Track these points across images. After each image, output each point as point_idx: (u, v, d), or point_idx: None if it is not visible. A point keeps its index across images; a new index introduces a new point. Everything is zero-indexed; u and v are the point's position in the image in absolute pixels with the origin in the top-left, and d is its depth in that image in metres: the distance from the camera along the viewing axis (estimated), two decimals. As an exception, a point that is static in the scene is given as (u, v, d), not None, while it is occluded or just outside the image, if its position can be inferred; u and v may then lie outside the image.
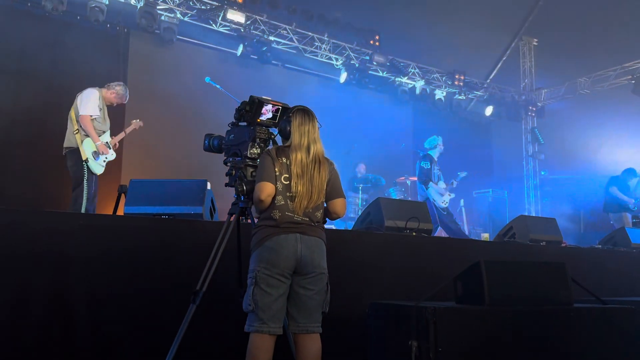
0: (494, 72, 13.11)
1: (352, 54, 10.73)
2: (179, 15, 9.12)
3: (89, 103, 5.80)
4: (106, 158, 5.93)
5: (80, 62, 7.94)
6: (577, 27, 11.14)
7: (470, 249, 5.25)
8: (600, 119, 11.28)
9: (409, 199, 9.03)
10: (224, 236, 3.19)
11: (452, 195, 8.02)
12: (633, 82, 11.27)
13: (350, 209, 9.31)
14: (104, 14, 8.28)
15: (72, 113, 5.83)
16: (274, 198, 2.91)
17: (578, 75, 12.25)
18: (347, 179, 9.65)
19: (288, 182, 2.93)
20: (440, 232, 7.79)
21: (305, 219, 2.93)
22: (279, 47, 10.12)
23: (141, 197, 4.12)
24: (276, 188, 2.92)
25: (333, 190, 3.05)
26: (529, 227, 5.87)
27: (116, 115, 6.47)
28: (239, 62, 9.75)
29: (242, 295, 2.92)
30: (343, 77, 10.74)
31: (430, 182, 7.78)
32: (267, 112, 3.34)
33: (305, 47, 10.33)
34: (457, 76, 11.81)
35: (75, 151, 5.73)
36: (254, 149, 3.29)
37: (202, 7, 9.23)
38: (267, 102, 3.32)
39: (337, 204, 3.06)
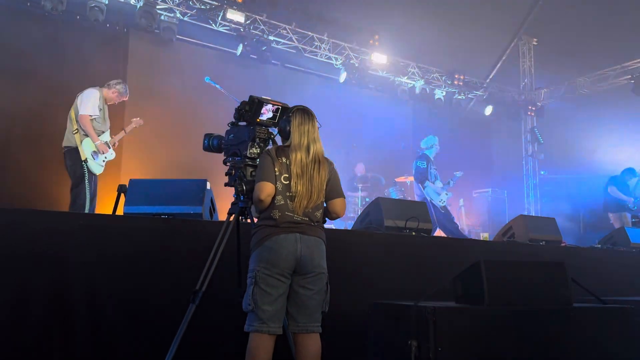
0: (494, 71, 13.12)
1: (351, 54, 10.73)
2: (178, 15, 9.12)
3: (89, 103, 5.80)
4: (105, 157, 5.93)
5: (80, 61, 7.94)
6: (576, 26, 11.15)
7: (469, 248, 5.25)
8: (599, 118, 11.29)
9: (409, 198, 9.02)
10: (223, 236, 3.19)
11: (450, 194, 8.03)
12: (633, 81, 11.28)
13: (350, 209, 9.31)
14: (103, 13, 8.28)
15: (71, 113, 5.83)
16: (273, 198, 2.91)
17: (578, 75, 12.26)
18: (347, 178, 9.65)
19: (288, 182, 2.93)
20: (439, 232, 7.80)
21: (305, 218, 2.93)
22: (279, 46, 10.12)
23: (141, 197, 4.11)
24: (276, 188, 2.92)
25: (333, 190, 3.05)
26: (528, 227, 5.87)
27: (116, 115, 6.48)
28: (238, 61, 9.74)
29: (241, 295, 2.92)
30: (343, 76, 10.74)
31: (427, 181, 7.81)
32: (266, 112, 3.34)
33: (305, 47, 10.33)
34: (456, 76, 11.81)
35: (74, 150, 5.73)
36: (254, 149, 3.30)
37: (202, 7, 9.23)
38: (267, 101, 3.32)
39: (337, 203, 3.06)
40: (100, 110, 5.90)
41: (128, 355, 3.39)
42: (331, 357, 3.20)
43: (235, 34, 9.57)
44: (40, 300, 3.23)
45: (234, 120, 3.42)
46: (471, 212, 11.48)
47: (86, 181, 5.66)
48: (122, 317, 3.40)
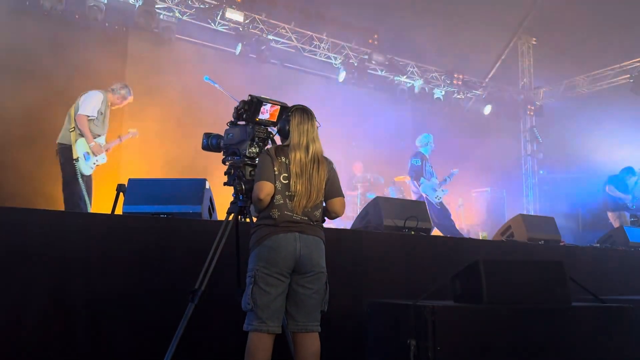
0: (493, 71, 13.12)
1: (350, 53, 10.73)
2: (177, 14, 9.11)
3: (90, 104, 5.80)
4: (97, 160, 5.88)
5: (79, 60, 7.92)
6: (575, 26, 11.15)
7: (468, 248, 5.26)
8: (598, 117, 11.29)
9: (408, 198, 9.02)
10: (222, 235, 3.19)
11: (446, 191, 8.04)
12: (631, 81, 11.29)
13: (349, 208, 9.31)
14: (102, 13, 8.27)
15: (71, 111, 5.83)
16: (273, 197, 2.92)
17: (576, 74, 12.27)
18: (346, 178, 9.65)
19: (287, 181, 2.93)
20: (435, 230, 7.80)
21: (304, 218, 2.93)
22: (278, 46, 10.12)
23: (140, 196, 4.12)
24: (275, 187, 2.92)
25: (332, 190, 3.05)
26: (527, 226, 5.88)
27: (115, 115, 6.47)
28: (237, 61, 9.74)
29: (240, 294, 2.93)
30: (342, 76, 10.74)
31: (422, 178, 7.84)
32: (265, 112, 3.34)
33: (304, 46, 10.33)
34: (455, 75, 11.82)
35: (67, 149, 5.72)
36: (253, 148, 3.30)
37: (201, 6, 9.23)
38: (266, 101, 3.32)
39: (336, 203, 3.07)
40: (100, 114, 5.89)
41: (127, 354, 3.39)
42: (330, 356, 3.20)
43: (234, 33, 9.57)
44: (40, 299, 3.23)
45: (233, 119, 3.42)
46: (470, 211, 11.48)
47: (79, 179, 5.64)
48: (121, 316, 3.41)
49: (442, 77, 11.93)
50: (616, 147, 10.96)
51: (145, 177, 6.20)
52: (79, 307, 3.32)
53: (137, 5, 8.64)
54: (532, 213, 12.32)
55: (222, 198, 4.60)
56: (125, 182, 4.24)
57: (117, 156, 6.94)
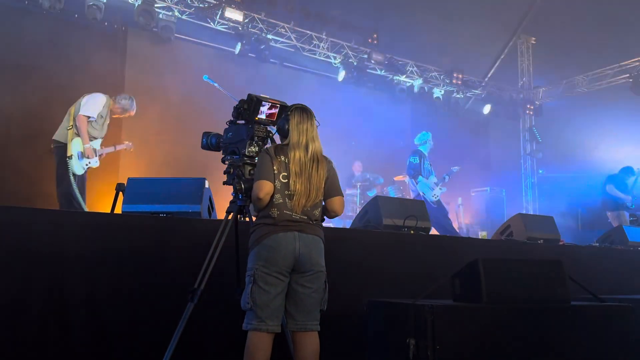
0: (492, 70, 13.13)
1: (350, 53, 10.73)
2: (176, 13, 9.11)
3: (92, 106, 5.81)
4: (89, 163, 5.87)
5: (79, 60, 7.93)
6: (575, 25, 11.16)
7: (467, 247, 5.26)
8: (598, 117, 11.30)
9: (407, 197, 9.03)
10: (222, 234, 3.19)
11: (443, 190, 8.04)
12: (631, 80, 11.30)
13: (349, 207, 9.32)
14: (101, 12, 8.27)
15: (72, 109, 5.83)
16: (272, 196, 2.91)
17: (576, 73, 12.28)
18: (346, 177, 9.65)
19: (286, 181, 2.93)
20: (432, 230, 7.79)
21: (304, 217, 2.93)
22: (277, 45, 10.12)
23: (139, 196, 4.12)
24: (274, 186, 2.92)
25: (331, 189, 3.05)
26: (526, 226, 5.88)
27: (114, 119, 6.46)
28: (237, 60, 9.74)
29: (240, 294, 2.93)
30: (341, 75, 10.74)
31: (420, 176, 7.85)
32: (265, 111, 3.34)
33: (304, 46, 10.33)
34: (455, 75, 11.83)
35: (63, 148, 5.72)
36: (252, 147, 3.30)
37: (200, 5, 9.22)
38: (265, 100, 3.32)
39: (335, 202, 3.06)
40: (101, 117, 5.89)
41: (126, 353, 3.39)
42: (330, 356, 3.20)
43: (233, 32, 9.57)
44: (39, 298, 3.23)
45: (232, 118, 3.42)
46: (469, 210, 11.50)
47: (71, 177, 5.64)
48: (120, 315, 3.40)
49: (442, 77, 11.94)
50: (615, 146, 10.98)
51: (144, 176, 6.22)
52: (78, 306, 3.31)
53: (136, 5, 8.63)
54: (531, 212, 12.34)
55: (222, 197, 4.60)
56: (125, 181, 4.24)
57: (116, 155, 6.93)
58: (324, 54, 10.61)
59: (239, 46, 9.57)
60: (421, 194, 7.86)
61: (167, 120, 8.69)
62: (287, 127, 3.04)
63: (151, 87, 8.64)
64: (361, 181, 9.74)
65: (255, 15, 9.67)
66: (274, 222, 2.88)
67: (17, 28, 7.77)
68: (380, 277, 4.32)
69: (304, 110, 3.07)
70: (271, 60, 10.03)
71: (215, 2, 9.21)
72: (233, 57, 9.72)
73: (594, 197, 9.86)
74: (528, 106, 13.12)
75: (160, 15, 8.89)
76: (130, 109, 6.23)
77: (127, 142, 6.54)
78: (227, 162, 3.39)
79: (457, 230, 9.54)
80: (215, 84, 6.53)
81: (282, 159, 2.96)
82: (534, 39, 13.24)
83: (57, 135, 5.80)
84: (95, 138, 5.94)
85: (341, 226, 7.97)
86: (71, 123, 5.75)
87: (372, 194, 9.59)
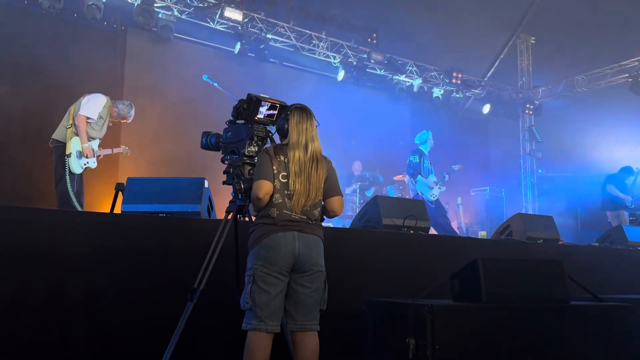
0: (492, 70, 13.12)
1: (349, 52, 10.73)
2: (176, 13, 9.10)
3: (92, 106, 5.81)
4: (87, 163, 5.86)
5: (78, 59, 7.92)
6: (574, 25, 11.16)
7: (467, 246, 5.25)
8: (597, 117, 11.31)
9: (407, 197, 9.03)
10: (221, 234, 3.19)
11: (442, 189, 8.04)
12: (630, 80, 11.30)
13: (348, 207, 9.32)
14: (101, 11, 8.27)
15: (72, 108, 5.84)
16: (271, 196, 2.91)
17: (575, 73, 12.27)
18: (345, 176, 9.66)
19: (286, 180, 2.93)
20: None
21: (303, 217, 2.93)
22: (277, 45, 10.12)
23: (139, 195, 4.12)
24: (274, 186, 2.92)
25: (330, 189, 3.05)
26: (526, 225, 5.88)
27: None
28: (236, 60, 9.73)
29: (239, 293, 2.93)
30: (341, 75, 10.74)
31: (419, 175, 7.85)
32: (264, 110, 3.34)
33: (303, 45, 10.33)
34: (454, 74, 11.82)
35: (62, 147, 5.72)
36: (252, 147, 3.30)
37: (200, 5, 9.22)
38: (265, 100, 3.32)
39: (335, 202, 3.06)
40: (100, 118, 5.89)
41: (126, 353, 3.39)
42: (329, 356, 3.20)
43: (233, 32, 9.57)
44: (38, 297, 3.23)
45: (232, 118, 3.42)
46: (469, 210, 11.50)
47: (67, 176, 5.63)
48: (119, 315, 3.40)
49: (441, 76, 11.93)
50: (615, 145, 10.98)
51: (144, 176, 6.21)
52: (77, 306, 3.31)
53: (135, 4, 8.62)
54: (531, 212, 12.34)
55: (221, 197, 4.60)
56: (124, 181, 4.24)
57: (115, 155, 6.92)
58: (324, 53, 10.61)
59: (238, 46, 9.56)
60: (419, 193, 7.86)
61: (166, 120, 8.69)
62: (286, 126, 3.04)
63: (151, 87, 8.64)
64: (361, 181, 9.73)
65: (255, 15, 9.66)
66: (273, 222, 2.88)
67: (16, 27, 7.76)
68: (379, 276, 4.32)
69: (303, 110, 3.06)
70: (271, 59, 10.03)
71: (214, 1, 9.20)
72: (232, 56, 9.72)
73: (594, 197, 9.87)
74: (527, 106, 13.12)
75: (160, 15, 8.88)
76: (127, 116, 6.22)
77: (124, 147, 6.55)
78: (226, 162, 3.39)
79: (456, 230, 9.55)
80: (215, 84, 6.54)
81: (282, 158, 2.96)
82: (533, 38, 13.24)
83: (57, 134, 5.80)
84: (94, 139, 5.94)
85: (341, 226, 7.97)
86: (70, 122, 5.76)
87: (369, 193, 9.59)
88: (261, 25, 9.74)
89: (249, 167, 3.27)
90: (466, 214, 11.16)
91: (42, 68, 7.73)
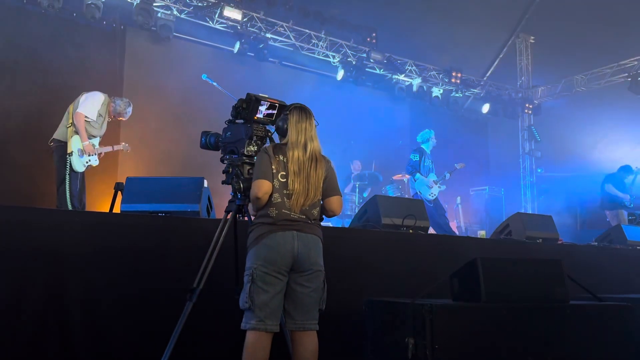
0: (491, 69, 13.13)
1: (349, 52, 10.72)
2: (175, 12, 9.09)
3: (90, 105, 5.81)
4: (89, 160, 5.87)
5: (77, 59, 7.92)
6: (573, 24, 11.16)
7: (466, 246, 5.26)
8: (596, 116, 11.32)
9: (406, 196, 9.03)
10: (220, 234, 3.19)
11: (442, 188, 8.04)
12: (629, 79, 11.30)
13: (347, 207, 9.32)
14: (100, 11, 8.26)
15: (71, 107, 5.84)
16: (270, 195, 2.91)
17: (575, 72, 12.28)
18: (344, 176, 9.66)
19: (285, 180, 2.93)
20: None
21: (302, 216, 2.93)
22: (276, 44, 10.11)
23: (138, 195, 4.12)
24: (273, 186, 2.92)
25: (329, 188, 3.05)
26: (525, 225, 5.88)
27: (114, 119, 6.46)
28: (235, 59, 9.73)
29: (238, 293, 2.93)
30: (340, 74, 10.73)
31: (418, 174, 7.84)
32: (264, 110, 3.33)
33: (302, 45, 10.32)
34: (454, 74, 11.82)
35: (63, 146, 5.73)
36: (251, 147, 3.30)
37: (199, 4, 9.21)
38: (264, 99, 3.32)
39: (334, 201, 3.06)
40: (100, 115, 5.90)
41: (124, 353, 3.39)
42: (328, 355, 3.20)
43: (232, 31, 9.56)
44: (38, 297, 3.23)
45: (231, 117, 3.42)
46: (468, 209, 11.50)
47: (67, 176, 5.63)
48: (119, 315, 3.40)
49: (440, 76, 11.93)
50: (614, 145, 10.99)
51: (143, 175, 6.21)
52: (76, 305, 3.31)
53: (134, 3, 8.61)
54: (530, 211, 12.35)
55: (221, 196, 4.60)
56: (124, 181, 4.24)
57: (115, 154, 6.92)
58: (323, 52, 10.60)
59: (237, 45, 9.55)
60: (418, 192, 7.85)
61: (165, 120, 8.69)
62: (285, 126, 3.04)
63: (150, 86, 8.64)
64: (360, 180, 9.73)
65: (254, 14, 9.65)
66: (272, 222, 2.88)
67: (15, 27, 7.76)
68: (379, 276, 4.32)
69: (302, 110, 3.07)
70: (270, 59, 10.02)
71: (214, 1, 9.19)
72: (232, 56, 9.72)
73: (593, 196, 9.87)
74: (527, 105, 13.12)
75: (159, 14, 8.87)
76: (124, 113, 6.21)
77: (124, 143, 6.55)
78: (225, 162, 3.39)
79: (455, 230, 9.55)
80: (214, 83, 6.54)
81: (281, 158, 2.96)
82: (532, 38, 13.24)
83: (57, 134, 5.80)
84: (95, 137, 5.94)
85: (340, 225, 7.97)
86: (70, 121, 5.76)
87: (366, 194, 9.59)
88: (260, 24, 9.74)
89: (248, 167, 3.27)
90: (465, 213, 11.16)
91: (41, 67, 7.73)
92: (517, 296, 3.27)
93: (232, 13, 9.28)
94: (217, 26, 9.49)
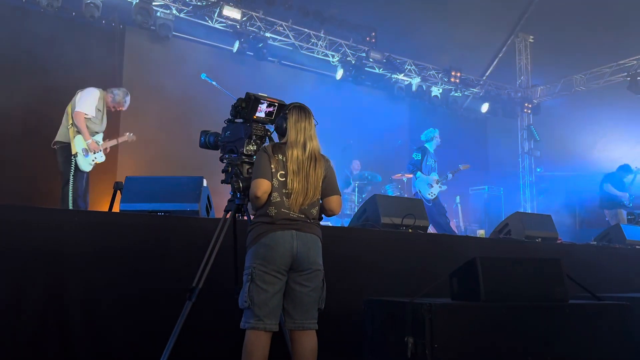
0: (490, 69, 13.13)
1: (348, 51, 10.72)
2: (174, 12, 9.09)
3: (87, 102, 5.80)
4: (95, 158, 5.86)
5: (76, 58, 7.91)
6: (573, 24, 11.17)
7: (465, 245, 5.26)
8: (595, 116, 11.32)
9: (405, 195, 9.03)
10: (220, 233, 3.19)
11: (443, 188, 8.03)
12: (628, 79, 11.31)
13: (347, 206, 9.31)
14: (99, 10, 8.26)
15: (69, 108, 5.83)
16: (270, 195, 2.91)
17: (574, 72, 12.29)
18: (343, 176, 9.66)
19: (284, 179, 2.93)
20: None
21: (301, 215, 2.93)
22: (275, 43, 10.10)
23: (137, 194, 4.11)
24: (272, 185, 2.92)
25: (329, 187, 3.05)
26: (524, 224, 5.88)
27: (113, 116, 6.45)
28: (235, 58, 9.73)
29: (238, 292, 2.93)
30: (339, 73, 10.72)
31: (419, 172, 7.82)
32: (263, 109, 3.33)
33: (302, 44, 10.32)
34: (453, 73, 11.82)
35: (67, 147, 5.71)
36: (250, 146, 3.30)
37: (198, 3, 9.21)
38: (263, 99, 3.32)
39: (333, 201, 3.06)
40: (98, 111, 5.89)
41: (124, 352, 3.39)
42: (328, 354, 3.20)
43: (231, 30, 9.55)
44: (37, 296, 3.23)
45: (230, 117, 3.42)
46: (467, 209, 11.50)
47: (71, 177, 5.63)
48: (118, 314, 3.40)
49: (440, 75, 11.94)
50: (613, 144, 11.00)
51: (142, 174, 6.21)
52: (76, 305, 3.31)
53: (133, 3, 8.61)
54: (529, 211, 12.35)
55: (220, 196, 4.60)
56: (123, 180, 4.24)
57: (114, 154, 6.93)
58: (322, 52, 10.60)
59: (237, 44, 9.55)
60: (417, 191, 7.85)
61: (165, 119, 8.68)
62: (285, 125, 3.04)
63: (149, 86, 8.63)
64: (359, 180, 9.73)
65: (253, 14, 9.65)
66: (271, 221, 2.88)
67: (14, 26, 7.75)
68: (378, 275, 4.32)
69: (302, 109, 3.07)
70: (269, 58, 10.02)
71: (213, 0, 9.19)
72: (231, 55, 9.71)
73: (592, 196, 9.88)
74: (526, 104, 13.13)
75: (158, 14, 8.87)
76: (123, 102, 6.18)
77: (128, 133, 6.53)
78: (225, 161, 3.39)
79: (455, 229, 9.55)
80: (214, 83, 6.53)
81: (280, 157, 2.96)
82: (532, 37, 13.25)
83: (59, 136, 5.78)
84: (97, 133, 5.94)
85: (339, 225, 7.97)
86: (70, 121, 5.75)
87: (364, 194, 9.59)
88: (260, 23, 9.73)
89: (247, 166, 3.28)
90: (464, 212, 11.16)
91: (41, 67, 7.73)
92: (516, 295, 3.27)
93: (232, 12, 9.28)
94: (217, 25, 9.49)
